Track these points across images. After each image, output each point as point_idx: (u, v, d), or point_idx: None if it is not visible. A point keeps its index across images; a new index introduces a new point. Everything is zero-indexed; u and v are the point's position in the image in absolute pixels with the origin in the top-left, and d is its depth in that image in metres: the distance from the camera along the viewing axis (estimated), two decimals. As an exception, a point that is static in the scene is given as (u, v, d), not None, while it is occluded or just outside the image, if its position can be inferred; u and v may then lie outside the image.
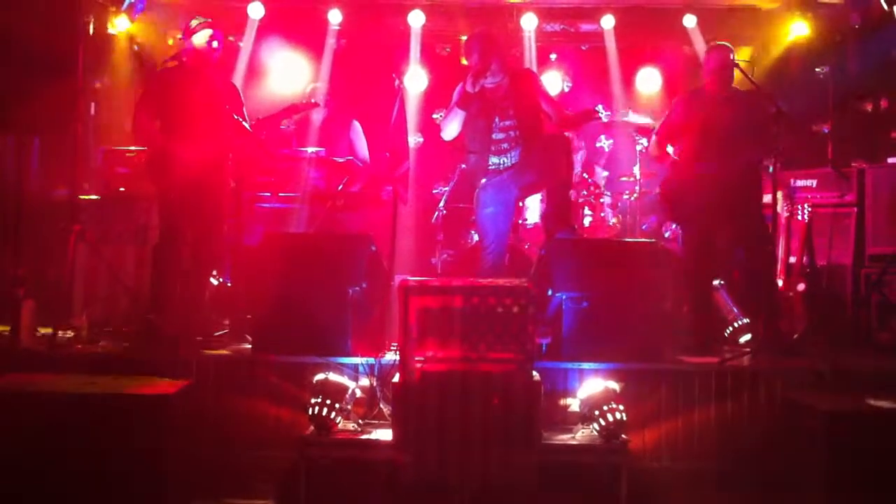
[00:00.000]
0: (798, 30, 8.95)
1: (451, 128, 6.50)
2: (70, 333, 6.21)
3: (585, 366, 5.54)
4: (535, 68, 8.88)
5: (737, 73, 6.41)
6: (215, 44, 6.37)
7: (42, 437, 4.76)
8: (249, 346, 6.06)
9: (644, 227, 8.41)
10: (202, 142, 6.20)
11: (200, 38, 6.34)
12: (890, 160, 7.33)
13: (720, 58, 6.45)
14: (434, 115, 8.88)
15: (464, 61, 9.40)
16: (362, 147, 8.04)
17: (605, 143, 8.91)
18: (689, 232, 6.70)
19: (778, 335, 6.21)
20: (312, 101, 7.65)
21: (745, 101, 6.49)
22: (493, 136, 6.42)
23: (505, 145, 6.42)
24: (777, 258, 6.78)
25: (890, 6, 7.19)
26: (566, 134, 6.83)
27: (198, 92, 6.28)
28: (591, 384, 5.32)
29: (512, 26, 9.06)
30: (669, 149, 6.61)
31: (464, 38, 9.39)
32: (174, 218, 6.26)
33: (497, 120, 6.41)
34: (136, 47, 8.67)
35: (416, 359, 4.91)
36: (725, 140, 6.31)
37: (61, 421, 4.78)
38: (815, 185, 7.48)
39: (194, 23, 6.38)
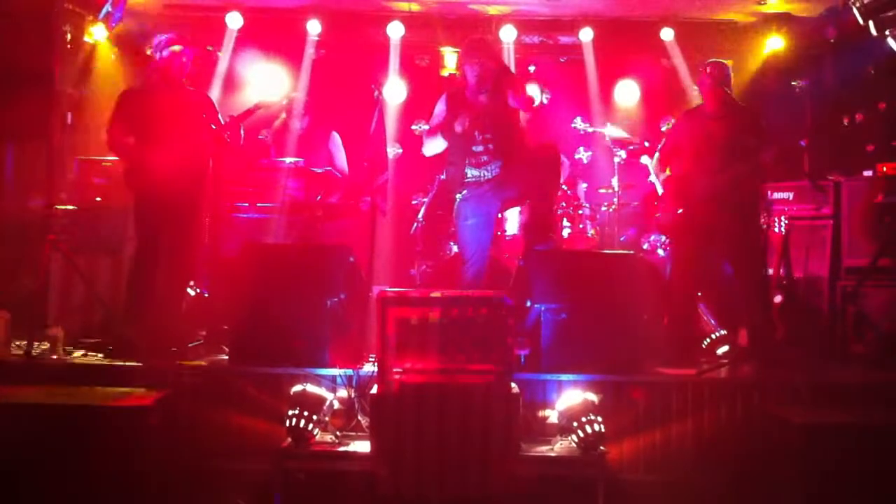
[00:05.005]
0: (774, 44, 9.03)
1: (433, 147, 6.51)
2: (45, 345, 6.13)
3: (564, 377, 5.54)
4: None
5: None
6: (184, 59, 6.36)
7: (17, 448, 4.71)
8: (226, 357, 6.03)
9: (622, 238, 8.43)
10: (178, 154, 6.16)
11: (170, 54, 6.32)
12: (865, 173, 7.39)
13: (714, 75, 6.46)
14: (413, 126, 8.89)
15: (445, 72, 9.50)
16: (341, 158, 8.02)
17: (583, 154, 8.94)
18: (679, 246, 6.72)
19: (765, 347, 6.22)
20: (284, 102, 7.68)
21: (740, 117, 6.46)
22: (473, 148, 6.40)
23: (484, 157, 6.39)
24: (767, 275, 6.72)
25: (865, 20, 7.25)
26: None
27: (170, 106, 6.25)
28: (570, 396, 5.32)
29: (491, 38, 9.08)
30: (667, 171, 6.70)
31: (443, 49, 9.46)
32: (151, 229, 6.23)
33: (476, 133, 6.39)
34: (113, 56, 8.62)
35: (395, 370, 4.90)
36: (718, 157, 6.32)
37: (36, 432, 4.74)
38: (791, 198, 7.53)
39: (163, 39, 6.36)
